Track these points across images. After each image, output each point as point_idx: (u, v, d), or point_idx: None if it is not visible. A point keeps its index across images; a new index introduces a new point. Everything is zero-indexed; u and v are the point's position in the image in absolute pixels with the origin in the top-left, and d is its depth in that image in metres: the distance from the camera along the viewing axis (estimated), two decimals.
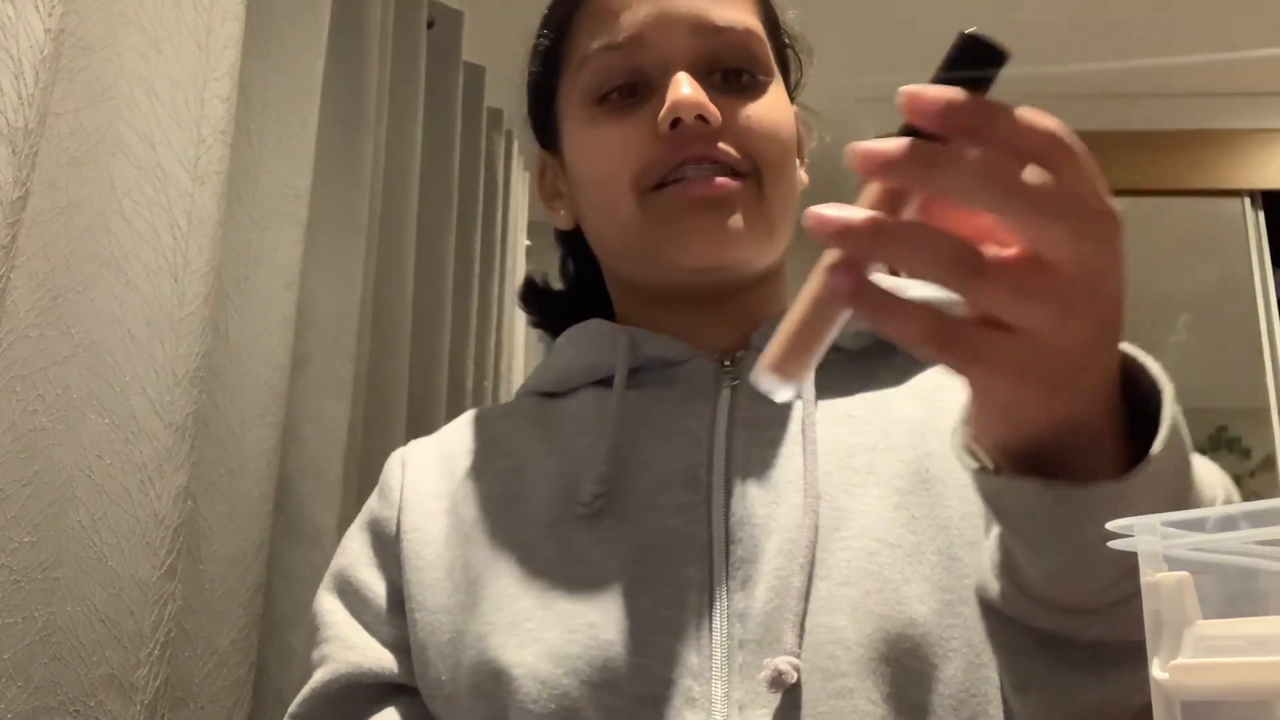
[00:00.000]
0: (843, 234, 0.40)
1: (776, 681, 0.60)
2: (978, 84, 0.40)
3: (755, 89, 0.76)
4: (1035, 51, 2.77)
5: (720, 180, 0.72)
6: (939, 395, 0.71)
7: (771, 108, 0.76)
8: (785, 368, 0.42)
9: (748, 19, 0.77)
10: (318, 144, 1.19)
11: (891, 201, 0.41)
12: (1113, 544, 0.40)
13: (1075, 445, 0.45)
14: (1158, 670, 0.40)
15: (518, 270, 2.20)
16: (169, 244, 0.90)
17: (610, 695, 0.62)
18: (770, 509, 0.66)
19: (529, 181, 2.46)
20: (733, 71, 0.75)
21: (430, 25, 1.70)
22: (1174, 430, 0.45)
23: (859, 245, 0.40)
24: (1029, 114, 0.40)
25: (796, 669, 0.60)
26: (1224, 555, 0.40)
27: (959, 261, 0.39)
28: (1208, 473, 0.51)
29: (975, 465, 0.48)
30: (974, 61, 0.40)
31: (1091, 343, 0.42)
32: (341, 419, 1.25)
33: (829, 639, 0.61)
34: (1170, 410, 0.45)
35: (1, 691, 0.76)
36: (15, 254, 0.76)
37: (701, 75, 0.74)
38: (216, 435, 1.03)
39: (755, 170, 0.73)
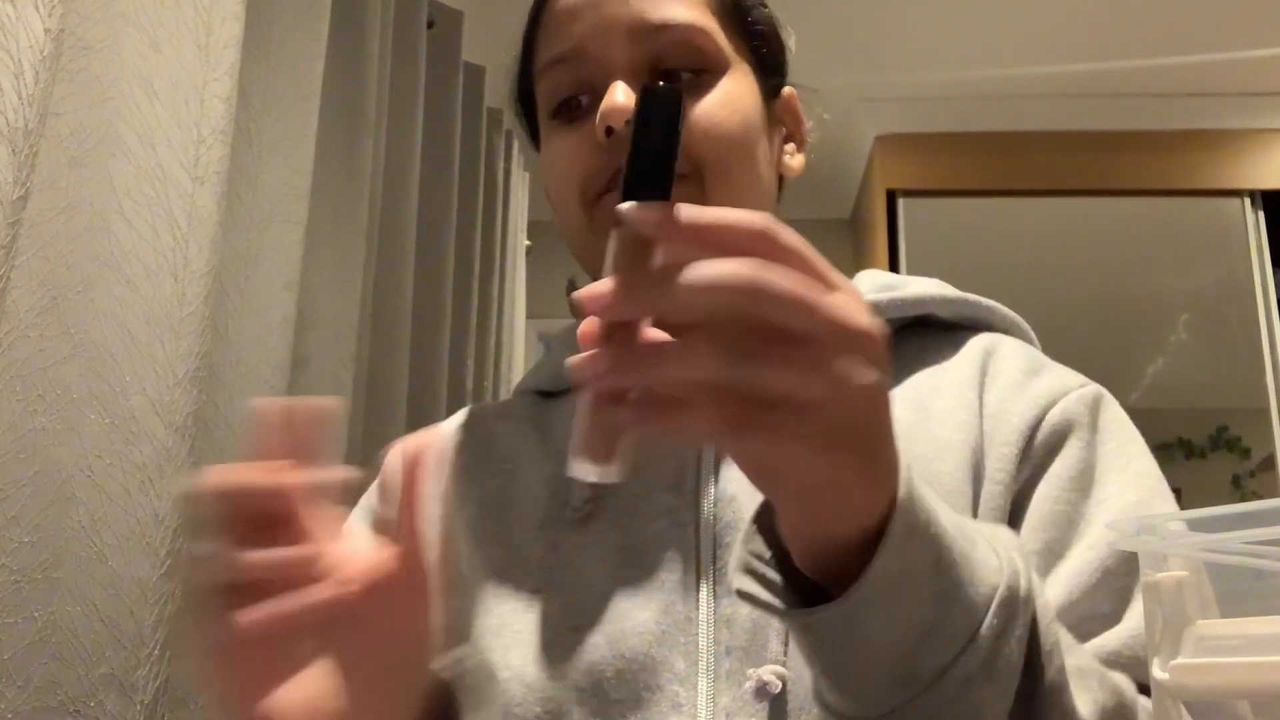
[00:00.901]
0: (616, 371, 0.40)
1: (761, 692, 0.60)
2: (673, 134, 0.43)
3: (702, 86, 0.73)
4: (1036, 51, 2.77)
5: None
6: (931, 399, 0.70)
7: (718, 106, 0.73)
8: (596, 455, 0.42)
9: (690, 14, 0.74)
10: (318, 144, 1.20)
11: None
12: (1112, 543, 0.40)
13: (858, 555, 0.45)
14: (1158, 670, 0.40)
15: (518, 270, 2.20)
16: (169, 244, 0.90)
17: (596, 699, 0.62)
18: None
19: (529, 181, 2.46)
20: (675, 71, 0.73)
21: (430, 25, 1.70)
22: (908, 537, 0.44)
23: (634, 378, 0.41)
24: (724, 215, 0.41)
25: (782, 678, 0.60)
26: (1224, 555, 0.40)
27: (735, 356, 0.39)
28: (989, 560, 0.48)
29: (743, 589, 0.48)
30: (660, 111, 0.43)
31: (878, 404, 0.43)
32: (341, 419, 1.25)
33: None
34: (900, 520, 0.44)
35: (1, 691, 0.76)
36: (15, 254, 0.76)
37: (645, 77, 0.73)
38: (216, 435, 1.03)
39: (697, 172, 0.71)
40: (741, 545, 0.50)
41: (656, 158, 0.43)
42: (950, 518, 0.47)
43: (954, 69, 2.85)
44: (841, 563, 0.45)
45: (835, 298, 0.41)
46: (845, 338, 0.41)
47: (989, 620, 0.46)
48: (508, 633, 0.66)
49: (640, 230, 0.41)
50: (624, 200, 0.43)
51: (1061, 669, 0.48)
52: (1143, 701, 0.55)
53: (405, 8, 1.59)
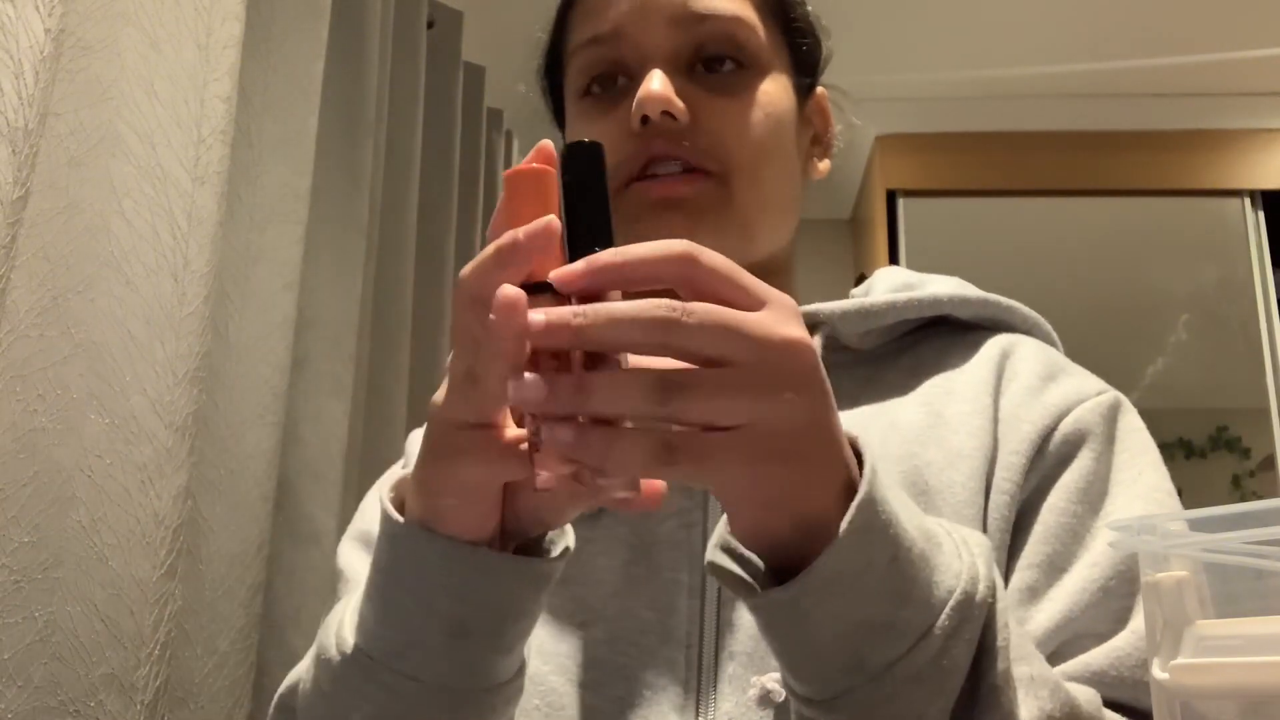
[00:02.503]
0: (550, 401, 0.41)
1: (765, 700, 0.59)
2: (601, 183, 0.45)
3: (739, 81, 0.73)
4: (1036, 51, 2.77)
5: (680, 180, 0.70)
6: (946, 403, 0.69)
7: (753, 105, 0.72)
8: (621, 487, 0.44)
9: (734, 6, 0.73)
10: (318, 144, 1.20)
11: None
12: (1110, 543, 0.40)
13: (815, 544, 0.45)
14: (1158, 670, 0.39)
15: None
16: (169, 244, 0.90)
17: (595, 696, 0.62)
18: None
19: None
20: (715, 59, 0.72)
21: (430, 25, 1.70)
22: (865, 535, 0.45)
23: (566, 409, 0.41)
24: (642, 250, 0.42)
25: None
26: (1224, 555, 0.40)
27: (654, 393, 0.40)
28: (951, 564, 0.48)
29: (714, 561, 0.49)
30: (585, 163, 0.45)
31: (811, 411, 0.44)
32: (341, 419, 1.25)
33: None
34: (859, 518, 0.44)
35: (1, 691, 0.76)
36: (15, 254, 0.76)
37: (684, 67, 0.72)
38: (216, 435, 1.03)
39: (725, 170, 0.71)
40: (723, 526, 0.50)
41: (594, 209, 0.44)
42: (915, 519, 0.48)
43: (954, 69, 2.84)
44: (799, 553, 0.45)
45: (758, 316, 0.42)
46: (768, 354, 0.42)
47: (942, 621, 0.46)
48: None
49: (566, 291, 0.42)
50: (572, 256, 0.44)
51: (1006, 673, 0.48)
52: (1109, 716, 0.54)
53: (405, 8, 1.59)
